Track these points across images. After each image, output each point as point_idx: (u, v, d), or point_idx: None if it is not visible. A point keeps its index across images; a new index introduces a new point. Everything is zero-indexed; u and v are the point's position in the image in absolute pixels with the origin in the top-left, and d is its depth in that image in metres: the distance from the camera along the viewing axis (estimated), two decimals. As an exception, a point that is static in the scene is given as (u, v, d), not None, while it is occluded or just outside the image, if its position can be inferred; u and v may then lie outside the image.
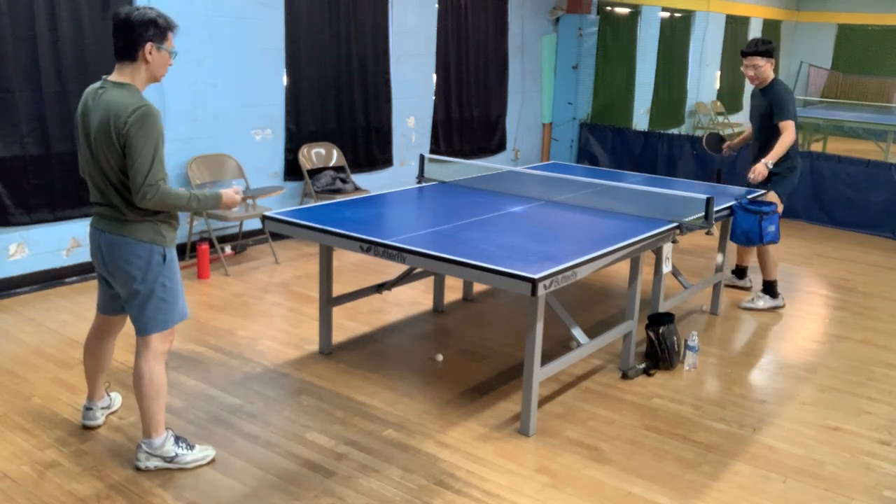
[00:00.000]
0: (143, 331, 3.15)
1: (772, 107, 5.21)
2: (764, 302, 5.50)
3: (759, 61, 5.21)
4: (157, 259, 3.08)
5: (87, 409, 3.56)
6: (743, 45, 5.42)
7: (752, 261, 5.85)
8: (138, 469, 3.21)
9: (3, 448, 3.35)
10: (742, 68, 5.37)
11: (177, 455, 3.23)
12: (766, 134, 5.29)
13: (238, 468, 3.27)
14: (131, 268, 3.06)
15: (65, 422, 3.59)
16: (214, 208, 3.23)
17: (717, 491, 3.26)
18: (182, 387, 3.99)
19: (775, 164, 5.11)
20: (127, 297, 3.15)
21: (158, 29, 2.97)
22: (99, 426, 3.57)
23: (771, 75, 5.28)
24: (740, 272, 5.94)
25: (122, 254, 3.05)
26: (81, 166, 3.17)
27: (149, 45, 2.96)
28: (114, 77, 3.00)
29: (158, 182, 2.92)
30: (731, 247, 5.40)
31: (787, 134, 5.10)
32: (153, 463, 3.21)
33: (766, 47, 5.24)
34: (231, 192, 3.23)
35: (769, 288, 5.51)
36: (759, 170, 5.08)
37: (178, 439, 3.27)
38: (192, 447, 3.28)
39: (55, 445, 3.39)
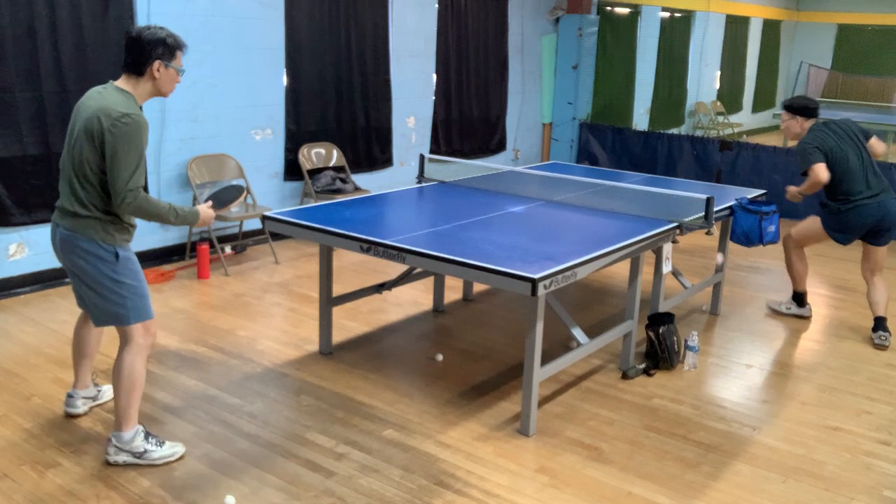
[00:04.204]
0: (102, 322, 3.23)
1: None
2: (793, 309, 5.40)
3: (784, 116, 5.14)
4: (106, 256, 3.12)
5: (69, 396, 3.64)
6: (743, 45, 5.34)
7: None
8: (108, 463, 3.24)
9: (3, 448, 3.36)
10: None
11: (146, 451, 3.25)
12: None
13: (238, 468, 3.28)
14: (82, 262, 3.13)
15: (65, 422, 3.59)
16: (192, 224, 3.32)
17: (717, 491, 3.26)
18: (182, 387, 3.99)
19: (825, 201, 5.01)
20: (84, 291, 3.21)
21: (167, 48, 3.10)
22: (80, 415, 3.62)
23: (799, 132, 5.05)
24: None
25: (74, 249, 3.12)
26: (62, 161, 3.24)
27: (157, 63, 3.09)
28: (118, 83, 3.12)
29: (139, 188, 3.02)
30: (733, 248, 5.39)
31: (810, 177, 4.88)
32: (122, 458, 3.24)
33: (790, 102, 5.11)
34: (206, 207, 3.35)
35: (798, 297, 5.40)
36: (790, 190, 5.09)
37: (148, 435, 3.29)
38: (161, 443, 3.31)
39: (55, 445, 3.39)
